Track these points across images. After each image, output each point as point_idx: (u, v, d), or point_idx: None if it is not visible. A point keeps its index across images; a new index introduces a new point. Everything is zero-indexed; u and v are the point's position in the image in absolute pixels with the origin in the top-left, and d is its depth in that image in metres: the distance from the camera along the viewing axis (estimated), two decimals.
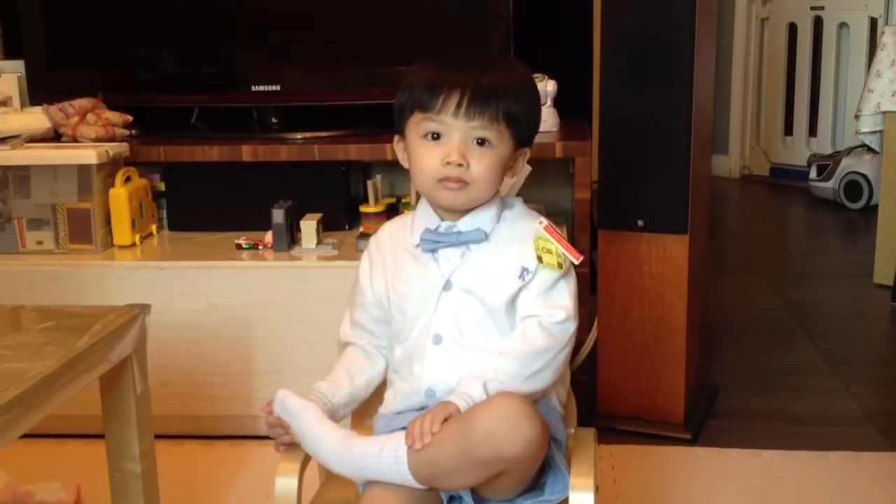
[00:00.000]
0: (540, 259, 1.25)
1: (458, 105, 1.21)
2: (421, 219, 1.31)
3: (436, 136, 1.23)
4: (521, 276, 1.25)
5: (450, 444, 1.12)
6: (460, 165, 1.22)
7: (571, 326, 1.26)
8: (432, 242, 1.28)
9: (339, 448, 1.19)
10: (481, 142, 1.23)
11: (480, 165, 1.23)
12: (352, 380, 1.34)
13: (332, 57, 2.43)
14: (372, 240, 1.38)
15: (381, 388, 1.37)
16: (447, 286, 1.26)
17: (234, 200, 2.34)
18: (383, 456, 1.16)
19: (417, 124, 1.25)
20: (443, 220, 1.29)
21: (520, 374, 1.21)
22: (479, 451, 1.11)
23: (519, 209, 1.32)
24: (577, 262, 1.26)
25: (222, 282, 2.08)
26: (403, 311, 1.30)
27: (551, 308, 1.25)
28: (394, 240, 1.34)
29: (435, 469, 1.13)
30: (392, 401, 1.32)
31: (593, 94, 2.35)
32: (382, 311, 1.34)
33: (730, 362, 2.62)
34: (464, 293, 1.26)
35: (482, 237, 1.27)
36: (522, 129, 1.26)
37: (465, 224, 1.28)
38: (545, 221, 1.28)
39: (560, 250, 1.25)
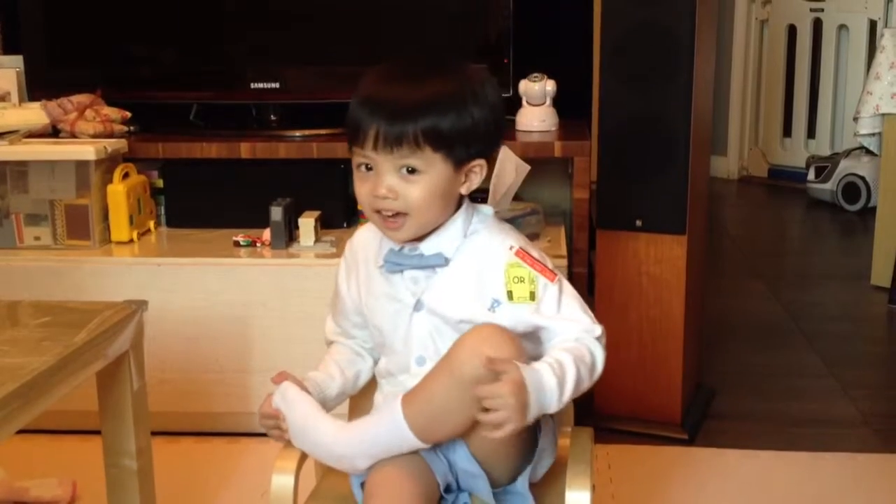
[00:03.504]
0: (510, 295, 1.20)
1: (376, 138, 1.17)
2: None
3: (369, 168, 1.21)
4: (492, 308, 1.21)
5: (440, 375, 1.14)
6: (388, 198, 1.19)
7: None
8: (394, 265, 1.25)
9: (338, 432, 1.19)
10: (411, 170, 1.19)
11: (413, 193, 1.19)
12: (343, 372, 1.33)
13: (331, 54, 2.43)
14: (347, 245, 1.36)
15: (371, 389, 1.37)
16: (418, 306, 1.24)
17: (232, 197, 2.34)
18: (381, 420, 1.17)
19: (353, 156, 1.23)
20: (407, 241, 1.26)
21: (576, 380, 1.17)
22: (467, 369, 1.12)
23: (490, 224, 1.26)
24: (552, 283, 1.21)
25: (220, 279, 2.08)
26: (378, 328, 1.29)
27: (581, 324, 1.22)
28: (366, 250, 1.32)
29: (429, 408, 1.14)
30: (382, 404, 1.31)
31: (593, 94, 2.35)
32: (362, 317, 1.33)
33: (727, 363, 2.62)
34: (434, 315, 1.23)
35: (443, 262, 1.23)
36: (457, 148, 1.19)
37: (427, 247, 1.24)
38: (517, 245, 1.23)
39: (534, 275, 1.20)
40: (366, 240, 1.33)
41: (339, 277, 1.35)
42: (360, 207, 2.27)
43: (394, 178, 1.19)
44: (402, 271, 1.25)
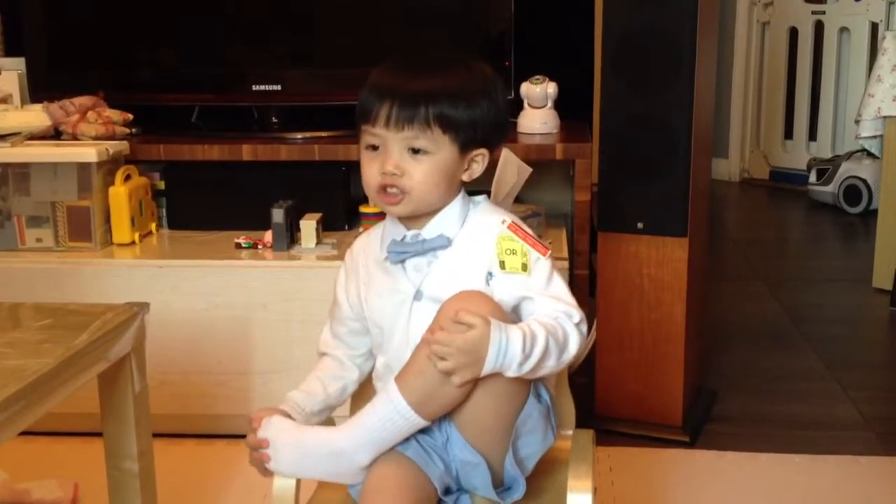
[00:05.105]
0: (502, 264, 1.23)
1: (388, 116, 1.20)
2: (389, 230, 1.30)
3: (375, 148, 1.24)
4: (487, 281, 1.23)
5: (427, 347, 1.15)
6: (395, 174, 1.21)
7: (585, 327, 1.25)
8: (398, 254, 1.27)
9: (335, 430, 1.20)
10: (418, 150, 1.22)
11: (417, 173, 1.22)
12: (325, 388, 1.34)
13: (332, 57, 2.43)
14: (347, 253, 1.38)
15: (370, 396, 1.37)
16: (418, 296, 1.26)
17: (233, 199, 2.34)
18: (379, 403, 1.18)
19: (362, 136, 1.25)
20: (409, 229, 1.28)
21: (543, 353, 1.16)
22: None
23: (483, 207, 1.30)
24: (544, 258, 1.23)
25: (221, 281, 2.08)
26: (379, 325, 1.30)
27: (564, 305, 1.22)
28: (366, 253, 1.34)
29: (422, 380, 1.15)
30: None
31: (594, 97, 2.36)
32: (360, 323, 1.34)
33: (728, 366, 2.62)
34: (434, 302, 1.23)
35: (446, 243, 1.26)
36: (465, 132, 1.23)
37: (429, 231, 1.27)
38: (509, 220, 1.26)
39: (525, 248, 1.23)
40: (365, 243, 1.35)
41: (338, 285, 1.37)
42: (362, 208, 2.28)
43: (401, 156, 1.22)
44: (404, 260, 1.27)
